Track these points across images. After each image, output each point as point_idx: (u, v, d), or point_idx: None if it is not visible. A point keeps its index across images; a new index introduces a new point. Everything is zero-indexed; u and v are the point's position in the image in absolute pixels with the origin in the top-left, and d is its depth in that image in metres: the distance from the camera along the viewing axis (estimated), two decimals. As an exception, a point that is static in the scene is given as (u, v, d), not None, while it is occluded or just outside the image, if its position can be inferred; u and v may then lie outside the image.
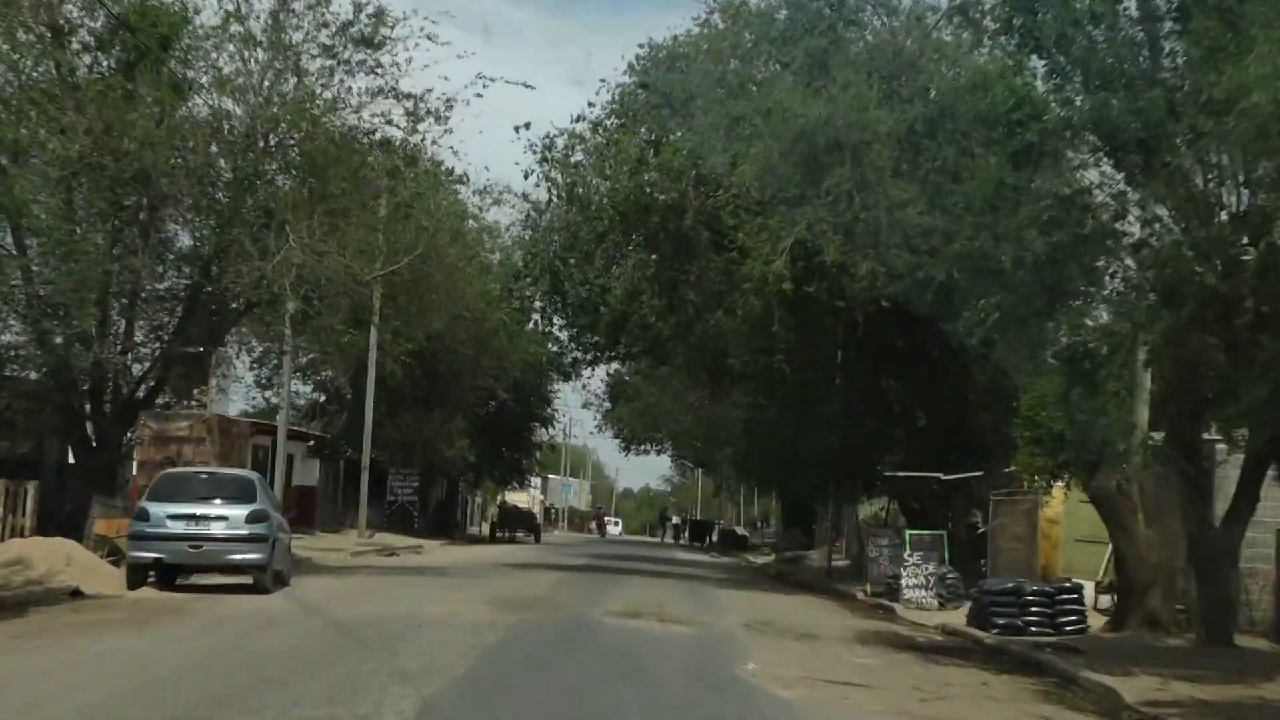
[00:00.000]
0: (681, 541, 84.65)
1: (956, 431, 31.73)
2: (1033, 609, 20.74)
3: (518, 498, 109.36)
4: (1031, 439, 25.04)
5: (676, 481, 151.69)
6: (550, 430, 66.66)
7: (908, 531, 30.29)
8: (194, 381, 39.92)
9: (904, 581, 26.76)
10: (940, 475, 29.74)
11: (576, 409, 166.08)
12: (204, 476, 22.85)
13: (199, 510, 21.29)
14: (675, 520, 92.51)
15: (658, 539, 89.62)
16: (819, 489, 39.91)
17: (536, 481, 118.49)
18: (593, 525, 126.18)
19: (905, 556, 27.22)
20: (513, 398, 58.48)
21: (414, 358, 52.70)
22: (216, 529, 21.23)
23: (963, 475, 29.38)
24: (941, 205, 27.22)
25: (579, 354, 36.03)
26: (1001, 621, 20.55)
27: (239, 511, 21.45)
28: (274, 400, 55.76)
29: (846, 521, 51.50)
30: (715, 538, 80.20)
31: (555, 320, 34.24)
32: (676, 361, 36.61)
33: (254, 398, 54.65)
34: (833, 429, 32.94)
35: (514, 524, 64.69)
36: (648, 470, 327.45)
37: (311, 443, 49.69)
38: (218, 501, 21.62)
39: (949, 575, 26.97)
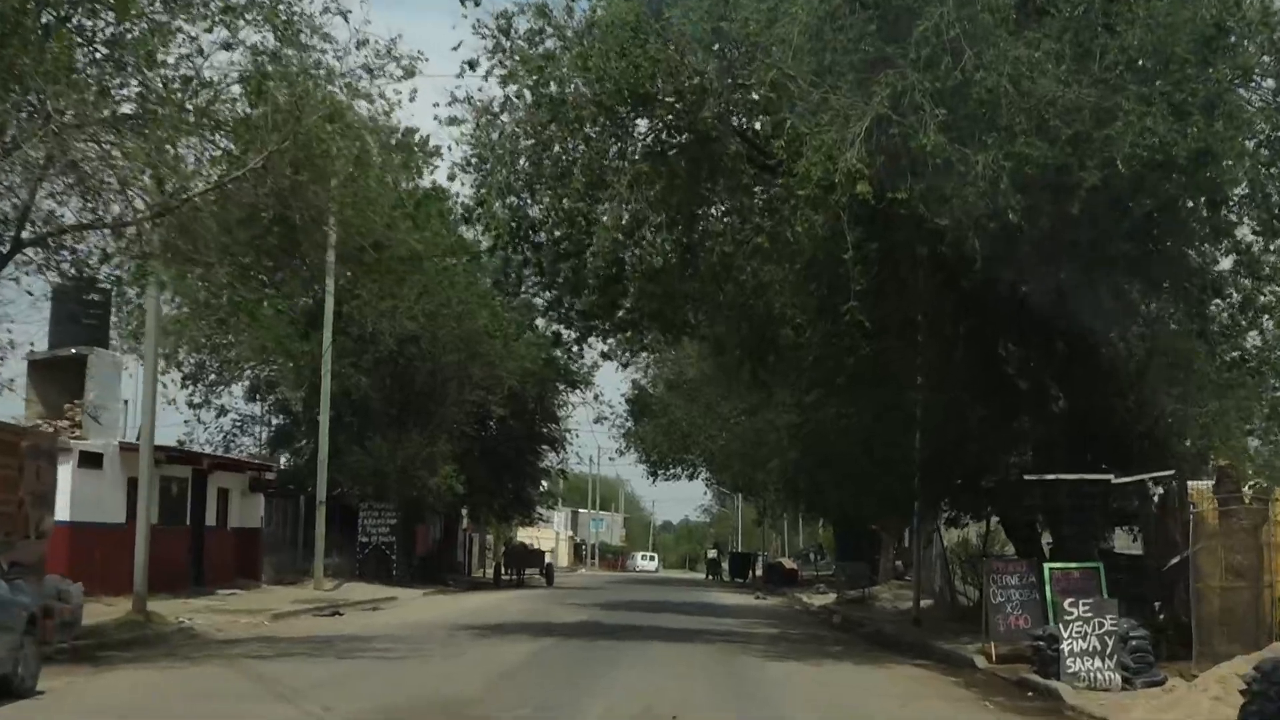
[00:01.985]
0: (722, 578, 74.56)
1: (1106, 417, 21.82)
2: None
3: (538, 534, 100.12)
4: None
5: (716, 511, 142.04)
6: (561, 453, 56.79)
7: (1047, 566, 20.48)
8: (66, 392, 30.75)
9: (1066, 646, 16.87)
10: (1111, 477, 19.91)
11: (604, 436, 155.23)
12: None
13: None
14: (713, 554, 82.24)
15: (705, 577, 79.45)
16: (895, 506, 29.92)
17: (560, 516, 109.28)
18: (625, 563, 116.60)
19: (1066, 606, 17.28)
20: (510, 413, 48.72)
21: (386, 364, 43.37)
22: None
23: (1145, 476, 19.51)
24: (1091, 71, 17.95)
25: (563, 328, 25.90)
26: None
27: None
28: (217, 423, 46.53)
29: (922, 549, 41.58)
30: (759, 572, 70.05)
31: (527, 277, 24.24)
32: (700, 330, 26.65)
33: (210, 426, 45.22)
34: (925, 420, 23.19)
35: (522, 564, 54.96)
36: (686, 502, 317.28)
37: (254, 475, 40.16)
38: None
39: (1133, 635, 17.06)
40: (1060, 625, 17.05)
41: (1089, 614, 16.97)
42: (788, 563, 67.14)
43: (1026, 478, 21.04)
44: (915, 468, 26.13)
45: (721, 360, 27.16)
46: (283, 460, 46.88)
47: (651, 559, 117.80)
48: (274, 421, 46.98)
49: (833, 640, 26.20)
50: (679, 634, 25.21)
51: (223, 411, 44.87)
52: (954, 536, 34.37)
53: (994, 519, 29.28)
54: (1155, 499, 21.34)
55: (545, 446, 55.57)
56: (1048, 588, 20.41)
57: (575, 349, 26.10)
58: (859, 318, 18.14)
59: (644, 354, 28.84)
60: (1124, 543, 27.92)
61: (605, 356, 28.90)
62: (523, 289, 25.32)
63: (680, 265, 21.32)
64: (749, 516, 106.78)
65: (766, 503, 61.58)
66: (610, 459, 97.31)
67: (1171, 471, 19.32)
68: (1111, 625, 16.99)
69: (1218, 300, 22.18)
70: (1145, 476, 19.59)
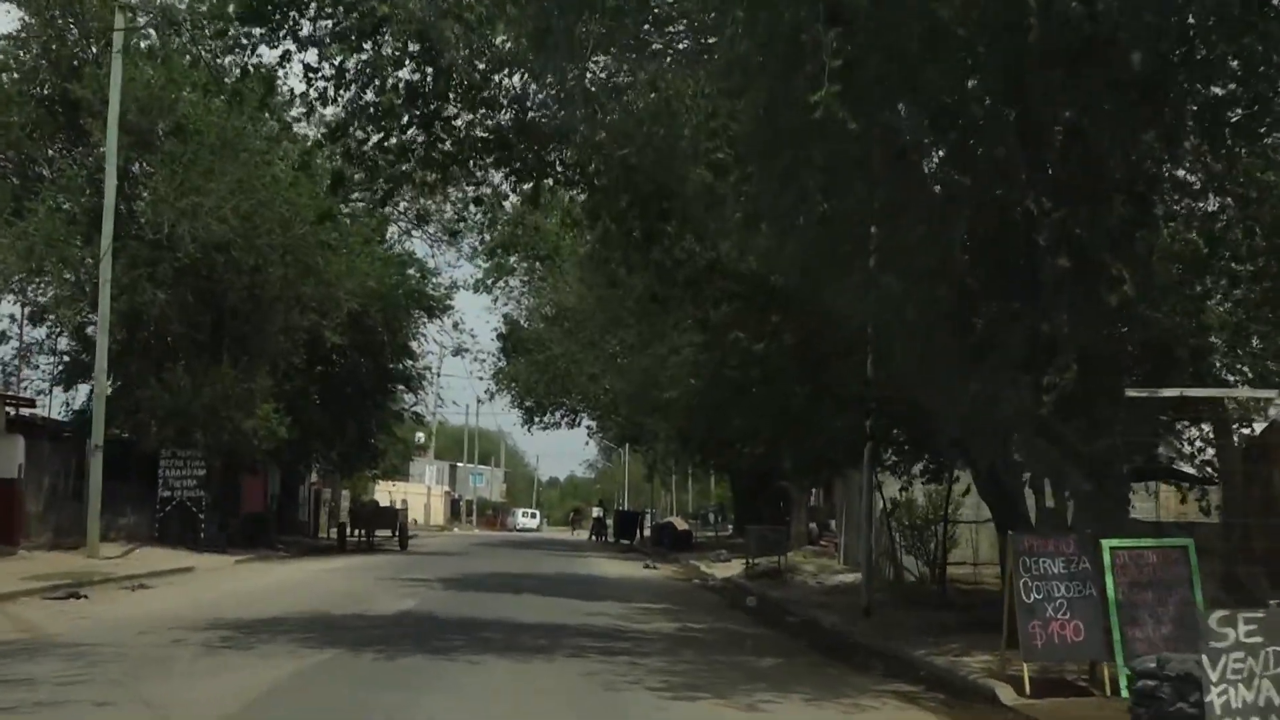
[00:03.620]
0: (606, 540, 66.80)
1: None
2: None
3: (408, 490, 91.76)
4: None
5: (601, 466, 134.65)
6: (420, 395, 48.57)
7: (1108, 544, 12.96)
8: None
9: (1218, 698, 9.25)
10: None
11: (478, 382, 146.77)
12: None
13: None
14: (597, 512, 74.43)
15: (589, 538, 71.64)
16: (841, 451, 22.18)
17: (433, 470, 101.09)
18: (504, 521, 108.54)
19: (1213, 627, 9.58)
20: (354, 344, 40.46)
21: (189, 277, 34.72)
22: None
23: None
24: None
25: (358, 170, 17.09)
26: None
27: None
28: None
29: (848, 511, 34.20)
30: (647, 533, 62.41)
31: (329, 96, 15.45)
32: (569, 175, 17.81)
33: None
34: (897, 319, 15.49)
35: (372, 525, 46.76)
36: (572, 457, 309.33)
37: (9, 411, 31.61)
38: None
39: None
40: (1204, 654, 9.40)
41: (1257, 638, 9.35)
42: (679, 523, 59.44)
43: (1133, 394, 13.34)
44: (871, 391, 18.55)
45: (605, 236, 19.01)
46: (76, 398, 38.45)
47: (533, 516, 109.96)
48: (64, 352, 38.24)
49: (757, 642, 18.44)
50: (536, 634, 17.33)
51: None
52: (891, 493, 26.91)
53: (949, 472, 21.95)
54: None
55: (400, 387, 47.34)
56: (1109, 578, 12.96)
57: (379, 206, 17.10)
58: (837, 111, 10.31)
59: (488, 215, 19.20)
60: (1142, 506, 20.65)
61: (421, 219, 20.47)
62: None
63: (536, 56, 13.19)
64: (637, 472, 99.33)
65: (657, 455, 53.80)
66: (479, 401, 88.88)
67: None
68: (1289, 655, 9.43)
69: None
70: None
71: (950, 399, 16.25)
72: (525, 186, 16.50)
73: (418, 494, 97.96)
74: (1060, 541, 13.38)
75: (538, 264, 50.75)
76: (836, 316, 18.66)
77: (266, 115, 31.52)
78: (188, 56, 35.43)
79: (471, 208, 18.70)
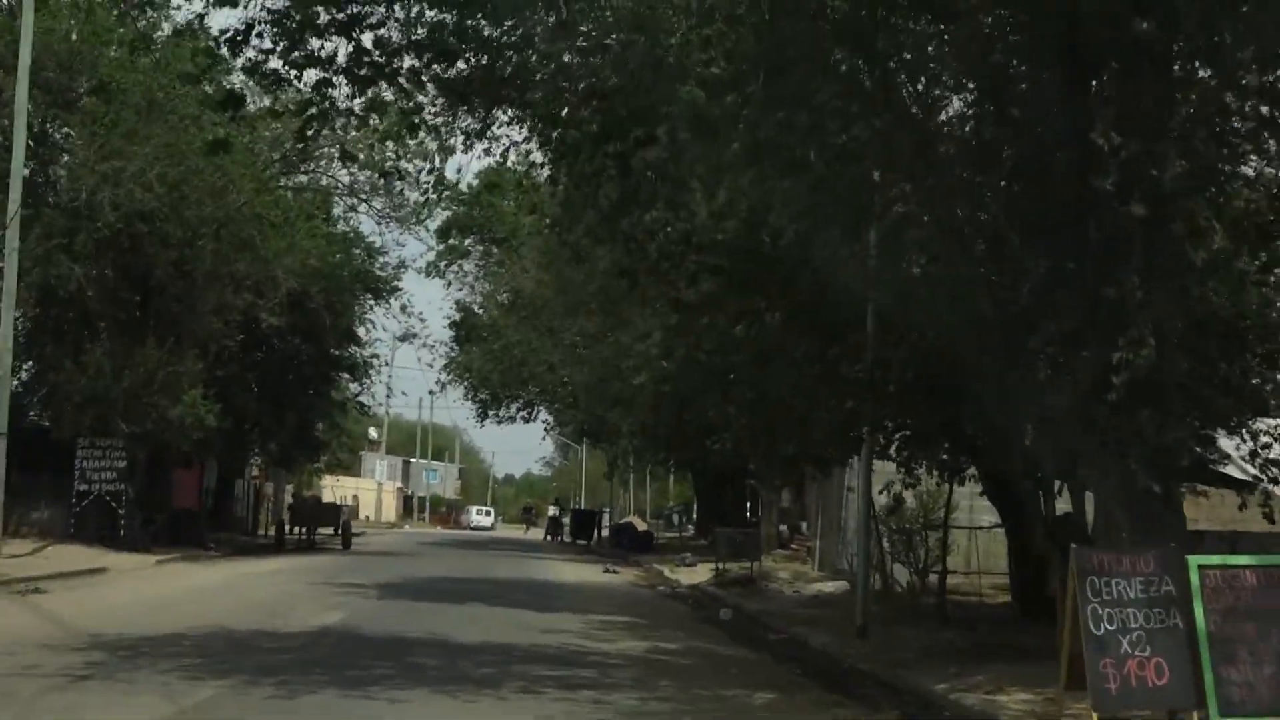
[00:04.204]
0: (562, 539, 63.95)
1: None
2: None
3: (358, 485, 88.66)
4: None
5: (558, 464, 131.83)
6: (366, 383, 45.47)
7: (1196, 561, 10.32)
8: None
9: None
10: None
11: (430, 375, 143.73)
12: None
13: None
14: (553, 511, 71.59)
15: (544, 537, 68.85)
16: (835, 440, 19.28)
17: (385, 465, 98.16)
18: (458, 518, 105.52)
19: None
20: (293, 328, 37.48)
21: (109, 250, 31.64)
22: None
23: None
24: None
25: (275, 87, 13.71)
26: None
27: None
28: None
29: (819, 509, 31.54)
30: (605, 533, 59.56)
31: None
32: (528, 100, 14.53)
33: None
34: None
35: (313, 522, 43.73)
36: (528, 454, 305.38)
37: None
38: None
39: None
40: None
41: None
42: (639, 523, 56.59)
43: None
44: (878, 374, 15.83)
45: (568, 199, 16.25)
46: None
47: (487, 514, 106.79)
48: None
49: (741, 668, 15.69)
50: (481, 658, 14.51)
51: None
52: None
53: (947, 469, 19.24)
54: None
55: (345, 375, 44.33)
56: (1198, 604, 10.31)
57: (309, 127, 13.66)
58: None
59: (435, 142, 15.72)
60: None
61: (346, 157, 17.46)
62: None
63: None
64: (594, 470, 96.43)
65: (619, 451, 51.00)
66: (432, 393, 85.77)
67: None
68: None
69: None
70: None
71: (982, 382, 13.60)
72: (470, 118, 13.52)
73: (369, 490, 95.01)
74: (1138, 558, 10.64)
75: (494, 248, 48.06)
76: (838, 286, 16.01)
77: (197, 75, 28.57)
78: (115, 12, 32.56)
79: (404, 134, 15.48)
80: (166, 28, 33.84)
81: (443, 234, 45.36)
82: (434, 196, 31.57)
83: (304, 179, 39.46)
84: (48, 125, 31.27)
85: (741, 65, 11.09)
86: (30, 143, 29.75)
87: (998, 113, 12.98)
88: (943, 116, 13.99)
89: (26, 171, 29.46)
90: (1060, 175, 12.32)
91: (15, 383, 33.30)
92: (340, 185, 39.49)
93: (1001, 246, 12.91)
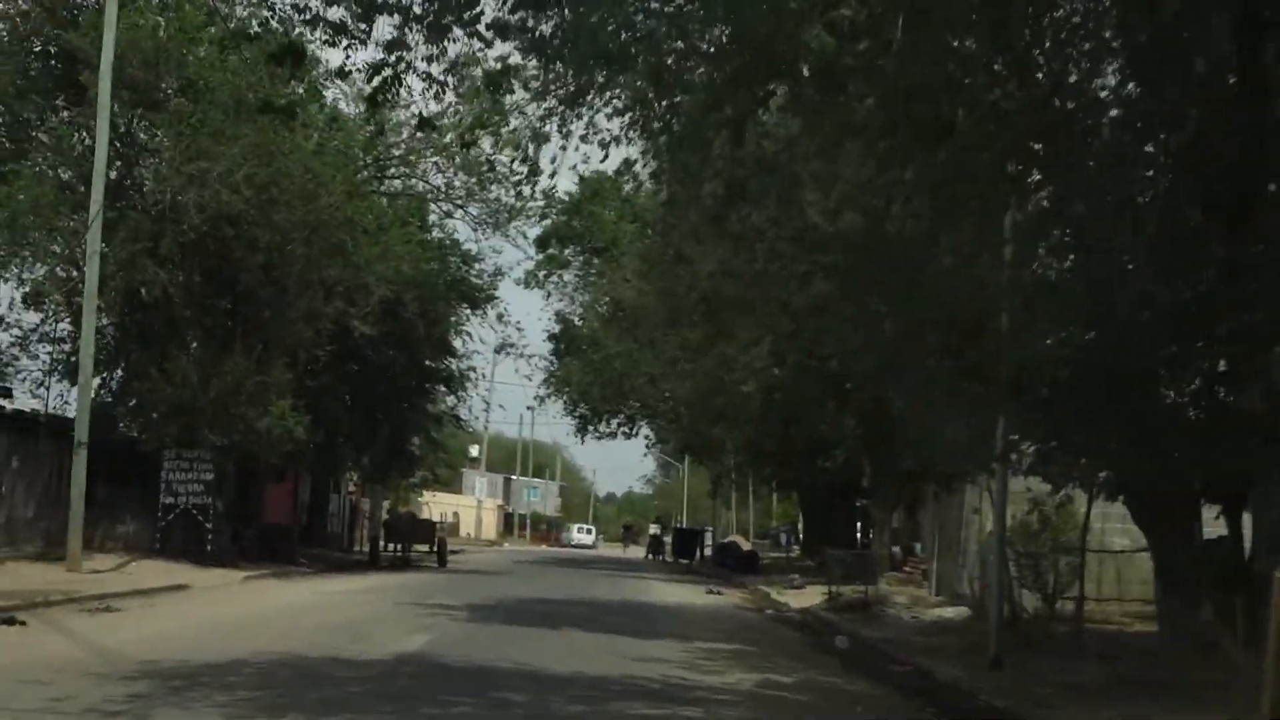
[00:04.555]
0: (663, 558, 62.39)
1: None
2: None
3: (459, 502, 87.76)
4: None
5: (659, 483, 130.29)
6: (461, 396, 44.16)
7: None
8: None
9: None
10: None
11: (531, 389, 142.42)
12: None
13: None
14: (654, 529, 70.16)
15: (645, 556, 67.62)
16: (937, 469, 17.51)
17: (484, 482, 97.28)
18: (559, 536, 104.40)
19: None
20: (386, 338, 36.29)
21: (195, 254, 30.61)
22: None
23: None
24: None
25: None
26: None
27: None
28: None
29: (939, 530, 29.63)
30: (708, 552, 57.93)
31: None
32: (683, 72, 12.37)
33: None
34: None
35: (409, 539, 42.56)
36: (630, 471, 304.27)
37: None
38: None
39: None
40: None
41: None
42: (743, 542, 54.83)
43: None
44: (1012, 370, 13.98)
45: (673, 199, 14.71)
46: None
47: (588, 532, 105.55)
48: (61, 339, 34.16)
49: (868, 707, 13.93)
50: (573, 693, 12.90)
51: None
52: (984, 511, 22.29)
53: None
54: None
55: (441, 387, 43.12)
56: None
57: (382, 92, 11.79)
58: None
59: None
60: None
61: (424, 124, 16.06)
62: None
63: None
64: (696, 488, 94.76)
65: (724, 467, 49.33)
66: (530, 409, 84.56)
67: None
68: None
69: None
70: None
71: (1147, 385, 11.79)
72: (560, 83, 11.89)
73: (469, 507, 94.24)
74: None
75: (594, 257, 46.78)
76: (971, 281, 14.31)
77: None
78: (204, 10, 31.55)
79: (483, 91, 13.94)
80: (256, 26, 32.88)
81: (542, 244, 44.15)
82: (528, 190, 30.03)
83: (398, 184, 38.31)
84: (133, 125, 30.26)
85: (877, 7, 9.42)
86: (115, 143, 28.87)
87: (1161, 78, 11.21)
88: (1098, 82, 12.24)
89: (112, 173, 28.58)
90: (1238, 145, 10.56)
91: (105, 391, 32.51)
92: (436, 190, 38.27)
93: (1174, 228, 11.12)
